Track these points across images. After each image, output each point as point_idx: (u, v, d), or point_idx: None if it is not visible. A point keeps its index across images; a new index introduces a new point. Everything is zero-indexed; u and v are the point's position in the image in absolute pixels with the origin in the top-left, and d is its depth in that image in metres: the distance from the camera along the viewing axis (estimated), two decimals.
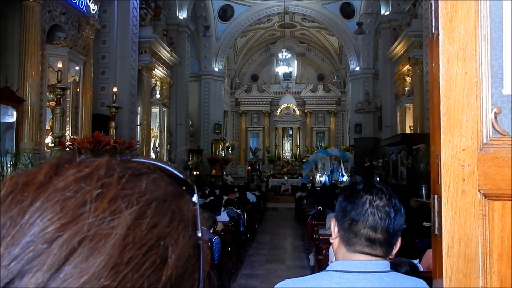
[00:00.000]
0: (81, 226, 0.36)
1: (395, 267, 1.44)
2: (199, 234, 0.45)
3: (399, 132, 15.01)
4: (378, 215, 1.27)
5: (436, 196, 1.13)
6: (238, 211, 8.59)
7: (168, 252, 0.40)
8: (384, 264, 1.29)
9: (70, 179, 0.39)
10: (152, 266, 0.38)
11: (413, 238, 4.25)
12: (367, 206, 1.28)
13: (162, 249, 0.39)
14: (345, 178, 20.82)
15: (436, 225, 1.11)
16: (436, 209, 1.12)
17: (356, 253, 1.29)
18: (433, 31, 1.11)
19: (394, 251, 1.32)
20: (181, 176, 0.47)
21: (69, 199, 0.38)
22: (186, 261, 0.42)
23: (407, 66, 14.78)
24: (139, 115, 13.45)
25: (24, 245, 0.35)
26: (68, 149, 7.04)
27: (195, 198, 0.47)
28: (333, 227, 1.35)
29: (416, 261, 3.24)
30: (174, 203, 0.43)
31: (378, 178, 15.82)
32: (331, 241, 1.37)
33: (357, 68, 21.37)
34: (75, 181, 0.39)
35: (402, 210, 1.31)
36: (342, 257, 1.32)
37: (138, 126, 13.10)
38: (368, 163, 16.38)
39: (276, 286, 1.32)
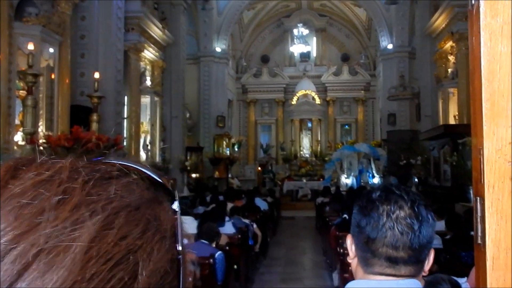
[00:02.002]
0: (37, 237, 0.37)
1: (432, 286, 1.44)
2: (179, 248, 0.45)
3: (441, 123, 14.92)
4: (398, 229, 1.25)
5: (478, 198, 1.13)
6: (246, 221, 8.60)
7: (138, 268, 0.40)
8: (413, 283, 1.27)
9: (28, 183, 0.40)
10: (119, 284, 0.38)
11: (459, 250, 4.19)
12: (385, 219, 1.26)
13: (132, 264, 0.40)
14: (376, 180, 20.76)
15: (479, 233, 1.10)
16: (479, 214, 1.11)
17: (375, 275, 1.28)
18: (473, 2, 1.11)
19: (427, 267, 1.32)
20: (159, 179, 0.48)
21: (26, 207, 0.38)
22: (161, 278, 0.42)
23: (450, 43, 14.65)
24: (126, 106, 13.47)
25: None
26: (41, 147, 7.10)
27: (175, 205, 0.48)
28: (350, 245, 1.35)
29: (463, 280, 3.22)
30: (149, 211, 0.44)
31: (416, 180, 15.78)
32: (349, 261, 1.37)
33: (390, 46, 21.24)
34: (33, 186, 0.40)
35: (430, 218, 1.30)
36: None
37: (125, 120, 13.15)
38: (405, 161, 16.31)
39: None
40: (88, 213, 0.39)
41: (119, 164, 0.46)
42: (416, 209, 1.28)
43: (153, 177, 0.48)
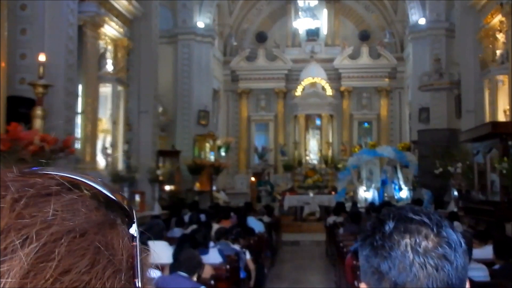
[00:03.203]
0: None
1: None
2: (139, 284, 0.45)
3: (487, 120, 14.91)
4: (431, 264, 1.24)
5: None
6: (237, 247, 8.60)
7: None
8: None
9: None
10: None
11: (511, 283, 4.22)
12: (411, 256, 1.25)
13: None
14: (404, 194, 20.79)
15: None
16: None
17: None
18: None
19: None
20: (112, 196, 0.48)
21: None
22: None
23: (499, 17, 14.67)
24: (80, 98, 13.41)
25: None
26: None
27: (133, 229, 0.48)
28: None
29: None
30: (99, 237, 0.43)
31: (456, 193, 15.79)
32: None
33: (422, 21, 21.32)
34: None
35: (462, 242, 1.29)
36: None
37: (79, 115, 13.09)
38: (441, 169, 16.30)
39: None
40: (19, 240, 0.38)
41: (60, 176, 0.46)
42: (445, 234, 1.27)
43: (104, 194, 0.48)
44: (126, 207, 0.49)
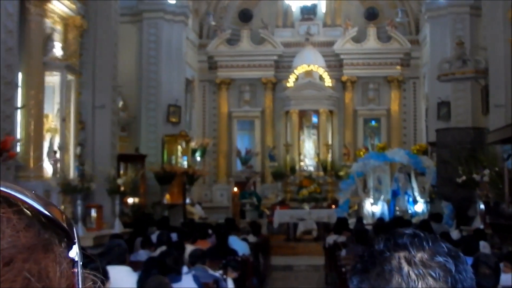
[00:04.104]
0: None
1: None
2: None
3: None
4: (431, 275, 1.33)
5: None
6: (216, 273, 8.59)
7: None
8: None
9: None
10: None
11: None
12: (406, 268, 1.34)
13: None
14: (420, 207, 20.88)
15: None
16: None
17: None
18: None
19: None
20: (47, 212, 0.48)
21: None
22: None
23: None
24: (20, 89, 13.34)
25: None
26: None
27: (74, 252, 0.48)
28: None
29: None
30: (29, 265, 0.43)
31: (482, 206, 15.81)
32: None
33: None
34: None
35: (465, 259, 1.39)
36: None
37: (20, 110, 13.02)
38: (464, 177, 16.35)
39: None
40: None
41: None
42: (441, 244, 1.38)
43: (36, 209, 0.46)
44: (64, 225, 0.47)
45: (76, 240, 0.48)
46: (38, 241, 0.44)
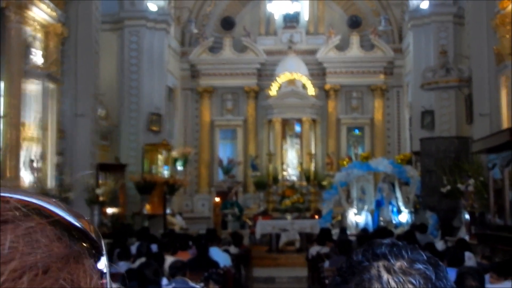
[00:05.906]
0: None
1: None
2: None
3: (505, 126, 14.99)
4: (411, 282, 1.32)
5: None
6: (197, 286, 8.46)
7: None
8: None
9: None
10: None
11: None
12: (385, 276, 1.33)
13: None
14: (404, 217, 20.90)
15: None
16: None
17: None
18: None
19: None
20: (78, 225, 0.48)
21: None
22: None
23: None
24: (1, 98, 13.39)
25: None
26: None
27: (102, 263, 0.49)
28: None
29: None
30: (63, 275, 0.43)
31: (467, 216, 15.83)
32: None
33: (425, 5, 21.53)
34: None
35: (445, 269, 1.38)
36: None
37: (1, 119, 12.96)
38: (449, 187, 16.36)
39: None
40: None
41: (15, 199, 0.45)
42: (421, 252, 1.38)
43: (68, 221, 0.47)
44: (94, 237, 0.48)
45: (104, 252, 0.49)
46: (70, 252, 0.44)
